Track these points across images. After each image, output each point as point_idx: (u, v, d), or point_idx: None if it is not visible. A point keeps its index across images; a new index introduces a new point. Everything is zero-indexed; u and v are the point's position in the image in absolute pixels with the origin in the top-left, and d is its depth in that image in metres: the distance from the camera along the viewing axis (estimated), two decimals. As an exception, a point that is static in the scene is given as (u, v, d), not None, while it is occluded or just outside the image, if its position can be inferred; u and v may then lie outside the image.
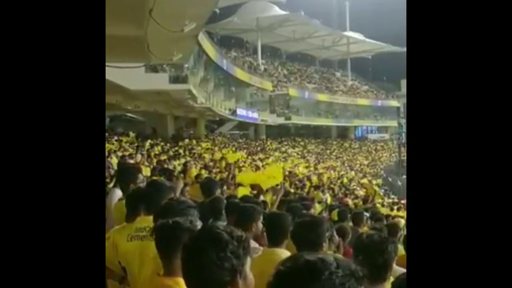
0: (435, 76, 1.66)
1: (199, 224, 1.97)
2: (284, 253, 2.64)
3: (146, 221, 2.59)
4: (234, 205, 3.78)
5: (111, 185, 6.09)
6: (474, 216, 1.55)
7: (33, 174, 1.58)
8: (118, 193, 3.70)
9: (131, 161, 9.59)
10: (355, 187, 22.06)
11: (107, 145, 12.08)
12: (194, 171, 7.00)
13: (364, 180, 25.27)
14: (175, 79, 17.06)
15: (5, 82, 1.59)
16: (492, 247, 1.51)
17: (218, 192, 4.52)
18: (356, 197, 17.39)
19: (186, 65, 17.81)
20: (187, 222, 1.87)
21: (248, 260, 1.46)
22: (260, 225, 3.13)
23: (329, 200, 12.36)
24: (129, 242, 2.64)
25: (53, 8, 1.67)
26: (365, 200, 14.53)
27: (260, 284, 2.51)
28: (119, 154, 11.25)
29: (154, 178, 4.41)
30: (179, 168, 8.26)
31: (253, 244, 3.03)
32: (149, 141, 17.73)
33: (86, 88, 1.71)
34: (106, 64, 10.13)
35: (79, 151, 1.66)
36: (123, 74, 12.60)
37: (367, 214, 7.46)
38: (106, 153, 9.31)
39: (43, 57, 1.65)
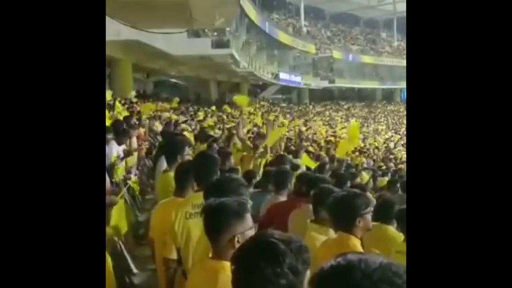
0: (435, 76, 1.56)
1: (249, 205, 1.80)
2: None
3: (201, 197, 2.36)
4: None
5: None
6: (474, 216, 1.46)
7: (31, 168, 1.51)
8: (163, 164, 3.61)
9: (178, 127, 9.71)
10: (400, 150, 21.58)
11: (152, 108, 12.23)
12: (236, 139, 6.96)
13: None
14: (217, 44, 17.02)
15: (4, 77, 1.53)
16: (492, 245, 1.42)
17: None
18: (402, 162, 17.03)
19: (228, 29, 17.67)
20: (235, 204, 1.70)
21: (308, 275, 1.21)
22: None
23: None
24: (188, 219, 2.48)
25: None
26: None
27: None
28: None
29: (203, 150, 4.24)
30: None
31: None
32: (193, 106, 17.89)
33: (85, 80, 1.59)
34: (149, 30, 10.11)
35: (78, 143, 1.57)
36: (165, 40, 12.66)
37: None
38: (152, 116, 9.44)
39: (40, 51, 1.56)
